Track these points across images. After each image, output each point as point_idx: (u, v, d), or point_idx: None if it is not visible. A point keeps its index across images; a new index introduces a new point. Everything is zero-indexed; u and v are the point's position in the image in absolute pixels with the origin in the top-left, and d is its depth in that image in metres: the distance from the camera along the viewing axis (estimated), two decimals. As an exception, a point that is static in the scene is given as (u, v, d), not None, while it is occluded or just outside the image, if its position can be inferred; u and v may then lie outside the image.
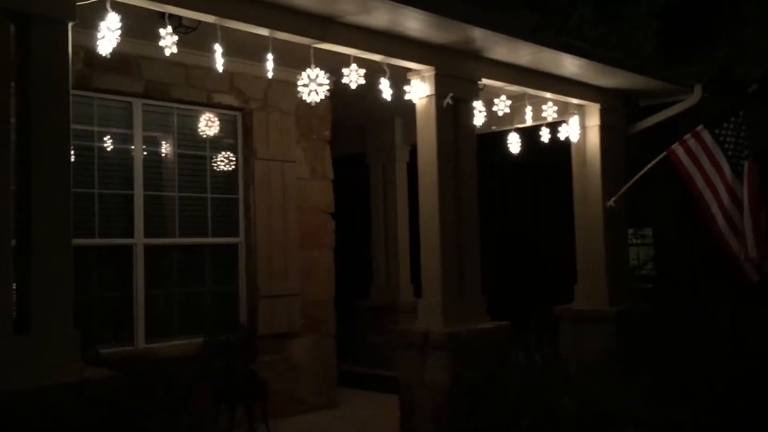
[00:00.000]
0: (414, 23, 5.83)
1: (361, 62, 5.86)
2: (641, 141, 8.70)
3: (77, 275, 4.55)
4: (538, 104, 7.68)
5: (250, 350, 7.04)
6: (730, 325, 7.36)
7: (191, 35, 5.73)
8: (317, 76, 5.43)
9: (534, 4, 6.17)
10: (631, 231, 10.00)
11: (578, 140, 8.25)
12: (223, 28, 5.22)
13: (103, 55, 4.82)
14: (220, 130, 7.32)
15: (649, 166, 7.67)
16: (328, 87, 5.53)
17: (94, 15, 4.66)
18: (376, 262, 10.48)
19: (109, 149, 6.66)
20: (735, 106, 7.34)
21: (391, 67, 6.20)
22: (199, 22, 5.41)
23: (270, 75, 5.43)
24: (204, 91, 7.08)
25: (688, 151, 7.42)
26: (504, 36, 6.26)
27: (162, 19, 5.06)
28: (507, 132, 8.31)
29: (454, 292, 6.42)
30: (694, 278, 9.48)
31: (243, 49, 5.95)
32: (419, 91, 6.48)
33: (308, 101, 5.51)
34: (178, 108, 7.08)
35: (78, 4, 4.35)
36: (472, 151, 6.77)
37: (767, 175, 7.24)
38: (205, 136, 7.23)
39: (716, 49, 7.49)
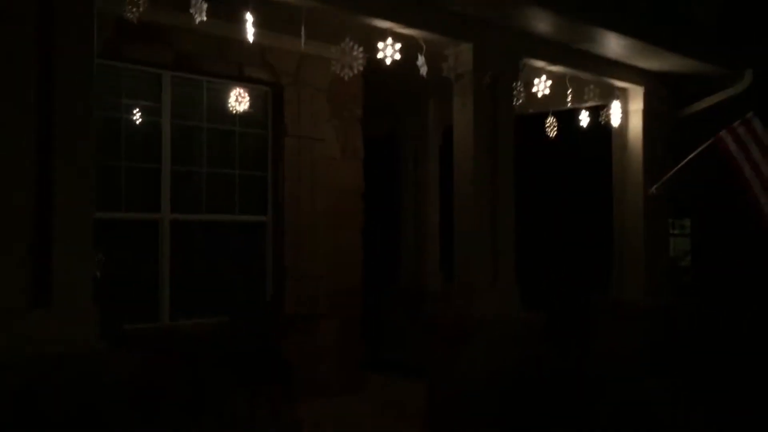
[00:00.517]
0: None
1: (397, 37, 5.61)
2: (685, 128, 8.35)
3: (104, 250, 4.44)
4: (579, 86, 7.37)
5: (275, 331, 6.90)
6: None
7: (222, 5, 5.53)
8: (352, 49, 5.20)
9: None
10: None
11: (620, 125, 7.92)
12: (255, -3, 5.01)
13: (133, 22, 4.65)
14: (251, 106, 7.13)
15: (696, 153, 7.31)
16: (362, 61, 5.30)
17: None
18: (404, 245, 10.25)
19: (137, 122, 6.51)
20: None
21: (428, 42, 5.94)
22: (231, -10, 5.21)
23: (303, 45, 5.20)
24: (235, 64, 6.89)
25: (737, 139, 7.06)
26: (547, 11, 5.97)
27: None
28: (544, 115, 8.02)
29: (488, 279, 6.19)
30: (735, 273, 9.12)
31: (275, 22, 5.73)
32: (457, 67, 6.21)
33: (342, 75, 5.29)
34: (208, 81, 6.91)
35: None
36: (510, 134, 6.52)
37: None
38: (234, 111, 7.04)
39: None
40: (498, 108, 6.36)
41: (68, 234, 4.16)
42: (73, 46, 4.23)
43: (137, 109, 6.51)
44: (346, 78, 5.32)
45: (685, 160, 7.58)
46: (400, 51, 5.56)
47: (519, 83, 6.56)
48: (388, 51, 5.49)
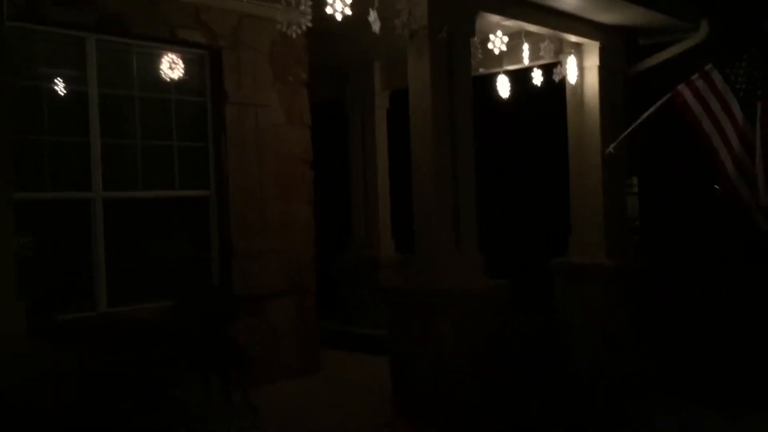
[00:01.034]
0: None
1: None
2: (641, 84, 8.15)
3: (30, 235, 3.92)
4: (534, 43, 7.06)
5: (225, 314, 6.44)
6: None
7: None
8: (299, 3, 4.72)
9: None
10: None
11: (575, 83, 7.65)
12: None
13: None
14: (186, 71, 6.58)
15: (654, 108, 7.08)
16: (310, 17, 4.83)
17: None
18: (355, 214, 9.87)
19: (60, 92, 5.88)
20: (747, 44, 6.79)
21: (379, -4, 5.48)
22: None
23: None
24: (166, 25, 6.29)
25: (696, 92, 6.86)
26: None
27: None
28: (496, 75, 7.72)
29: (452, 249, 5.85)
30: (684, 233, 9.06)
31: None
32: (411, 23, 5.78)
33: (289, 33, 4.81)
34: (137, 45, 6.30)
35: None
36: (469, 94, 6.14)
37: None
38: (169, 77, 6.48)
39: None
40: (455, 67, 5.98)
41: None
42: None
43: (60, 78, 5.87)
44: (293, 35, 4.84)
45: (642, 117, 7.37)
46: (351, 6, 5.09)
47: (476, 39, 6.18)
48: (338, 5, 5.02)
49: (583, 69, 7.71)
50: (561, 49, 7.53)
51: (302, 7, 4.74)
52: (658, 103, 7.13)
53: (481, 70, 7.72)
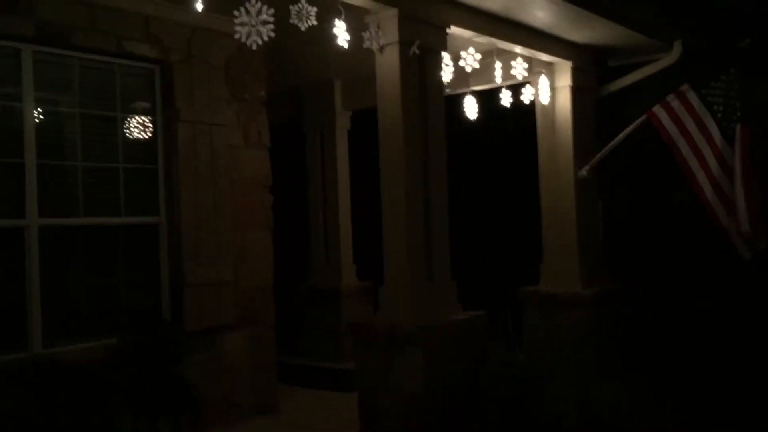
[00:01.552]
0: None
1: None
2: (612, 104, 7.91)
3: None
4: (506, 61, 6.74)
5: (175, 350, 5.89)
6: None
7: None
8: (260, 12, 4.28)
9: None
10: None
11: (547, 103, 7.36)
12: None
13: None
14: (135, 87, 6.06)
15: (629, 130, 6.80)
16: (272, 26, 4.39)
17: None
18: (314, 241, 9.38)
19: (-10, 108, 5.31)
20: (724, 63, 6.58)
21: (347, 6, 5.08)
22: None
23: (200, 7, 4.23)
24: (113, 37, 5.77)
25: (671, 113, 6.63)
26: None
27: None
28: (462, 95, 7.39)
29: (424, 279, 5.42)
30: (650, 257, 8.79)
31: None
32: (380, 37, 5.39)
33: (249, 44, 4.35)
34: (80, 58, 5.76)
35: None
36: (441, 113, 5.78)
37: (762, 140, 6.51)
38: (115, 93, 5.96)
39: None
40: (427, 85, 5.60)
41: None
42: None
43: (-9, 93, 5.31)
44: (254, 47, 4.38)
45: (618, 138, 7.09)
46: (317, 16, 4.68)
47: (447, 56, 5.83)
48: (303, 14, 4.59)
49: (555, 89, 7.43)
50: (532, 68, 7.24)
51: (263, 16, 4.29)
52: (634, 125, 6.86)
53: (448, 91, 7.37)
